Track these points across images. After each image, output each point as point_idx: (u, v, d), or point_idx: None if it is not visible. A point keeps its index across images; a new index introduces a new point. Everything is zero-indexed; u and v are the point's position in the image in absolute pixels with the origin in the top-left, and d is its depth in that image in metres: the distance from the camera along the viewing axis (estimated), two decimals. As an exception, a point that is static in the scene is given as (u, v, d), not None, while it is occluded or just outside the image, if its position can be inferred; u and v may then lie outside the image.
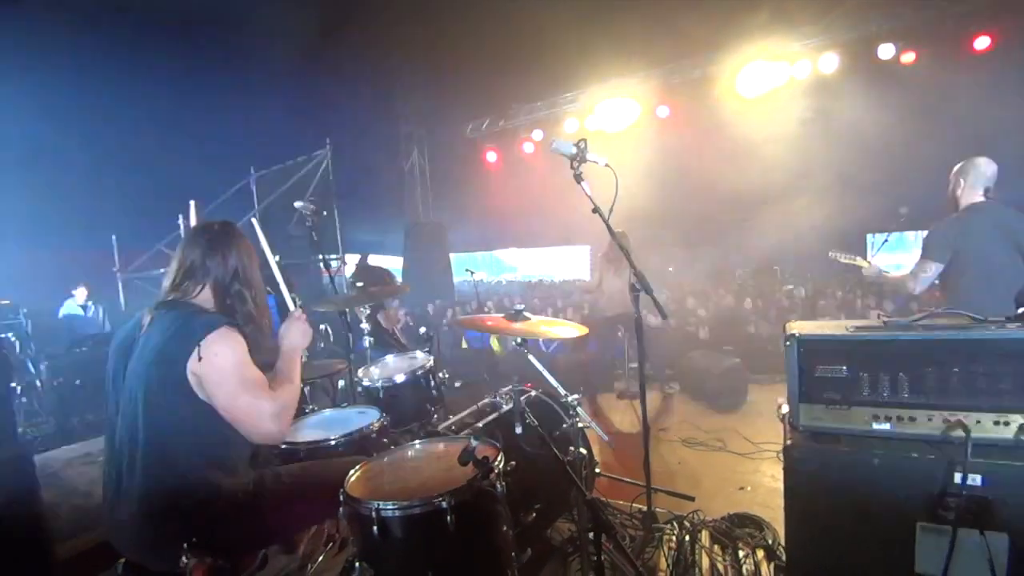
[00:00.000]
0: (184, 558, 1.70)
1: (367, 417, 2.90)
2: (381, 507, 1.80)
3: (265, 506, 1.95)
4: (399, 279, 5.56)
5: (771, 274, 7.76)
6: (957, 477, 1.79)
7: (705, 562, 2.75)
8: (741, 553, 2.78)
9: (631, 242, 5.81)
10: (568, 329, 2.71)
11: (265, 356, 2.05)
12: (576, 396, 2.78)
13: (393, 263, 12.69)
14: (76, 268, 9.14)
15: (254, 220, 2.34)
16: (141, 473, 1.77)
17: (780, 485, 2.12)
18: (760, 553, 2.75)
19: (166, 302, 1.98)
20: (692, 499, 3.33)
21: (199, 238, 2.05)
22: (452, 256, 12.14)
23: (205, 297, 1.99)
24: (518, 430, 2.50)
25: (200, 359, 1.77)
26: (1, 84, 5.91)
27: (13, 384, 5.81)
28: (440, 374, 3.38)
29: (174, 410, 1.79)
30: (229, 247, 2.04)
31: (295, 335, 2.18)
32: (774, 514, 3.06)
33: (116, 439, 1.84)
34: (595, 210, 2.74)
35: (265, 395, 1.86)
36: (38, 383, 6.12)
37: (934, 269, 3.40)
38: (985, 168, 3.40)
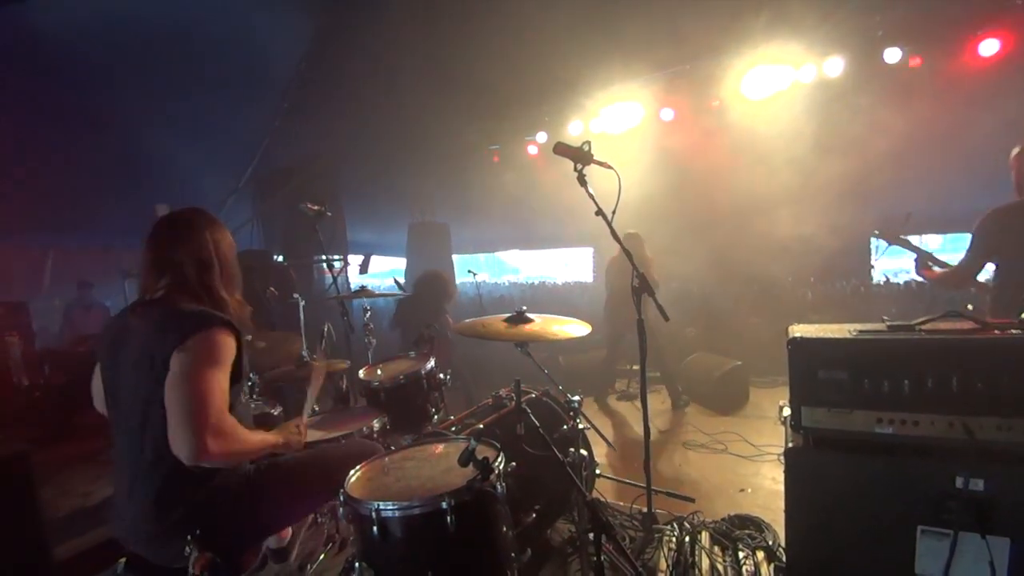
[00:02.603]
0: (187, 549, 1.71)
1: (368, 417, 2.91)
2: (381, 507, 1.80)
3: (265, 494, 1.96)
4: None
5: (774, 277, 7.75)
6: (959, 481, 1.78)
7: (705, 563, 2.75)
8: (741, 554, 2.77)
9: (644, 244, 5.81)
10: (576, 327, 2.71)
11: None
12: (577, 397, 2.79)
13: (396, 264, 12.72)
14: (80, 267, 9.20)
15: None
16: (146, 469, 1.77)
17: (781, 487, 2.12)
18: (760, 554, 2.75)
19: (148, 300, 1.91)
20: (692, 500, 3.32)
21: (165, 230, 1.97)
22: (455, 257, 12.14)
23: (179, 291, 1.90)
24: (519, 431, 2.51)
25: (181, 352, 1.70)
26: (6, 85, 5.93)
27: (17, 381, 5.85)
28: (441, 375, 3.39)
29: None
30: (198, 235, 1.95)
31: (290, 440, 2.09)
32: (774, 516, 3.05)
33: (119, 436, 1.84)
34: (599, 212, 2.74)
35: (216, 415, 1.68)
36: (41, 381, 6.12)
37: (974, 263, 3.20)
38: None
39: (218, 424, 1.68)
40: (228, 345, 1.80)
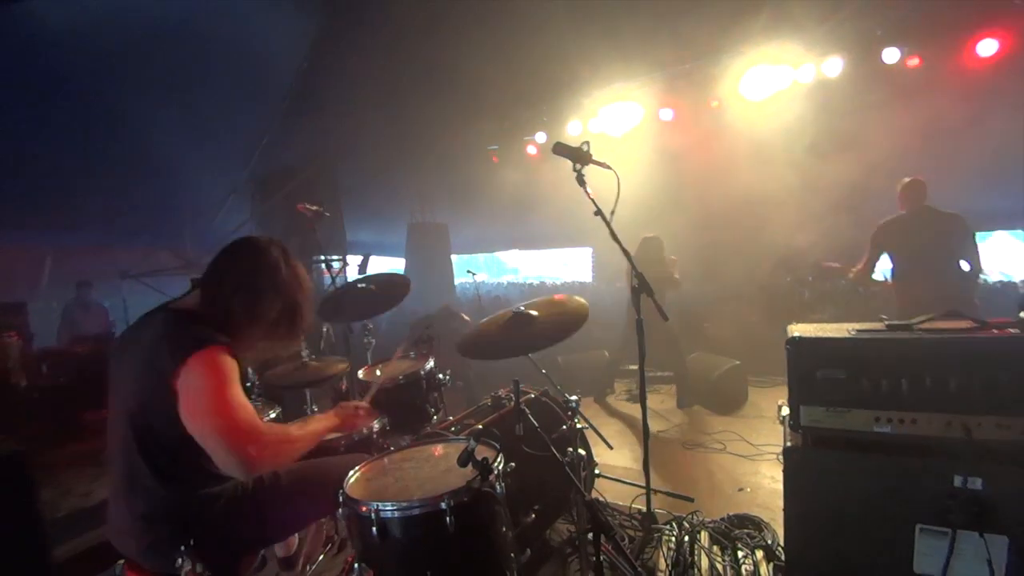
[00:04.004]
0: (180, 560, 1.69)
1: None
2: (380, 508, 1.80)
3: (263, 505, 1.94)
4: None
5: (773, 276, 7.75)
6: (957, 479, 1.79)
7: (704, 562, 2.75)
8: (740, 554, 2.77)
9: (663, 246, 5.77)
10: (575, 309, 2.70)
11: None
12: (575, 397, 2.79)
13: (395, 264, 12.72)
14: (79, 267, 9.18)
15: None
16: (140, 475, 1.75)
17: (780, 486, 2.12)
18: (759, 554, 2.75)
19: (164, 307, 1.91)
20: (691, 500, 3.33)
21: (222, 258, 1.94)
22: (454, 257, 12.14)
23: (208, 308, 1.87)
24: (518, 431, 2.51)
25: (185, 375, 1.67)
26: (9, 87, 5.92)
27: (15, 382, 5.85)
28: (440, 375, 3.39)
29: (164, 413, 1.71)
30: (246, 268, 1.91)
31: (346, 421, 2.14)
32: (773, 515, 3.06)
33: (116, 440, 1.83)
34: (597, 212, 2.74)
35: (245, 424, 1.65)
36: (40, 382, 6.12)
37: (868, 262, 4.62)
38: (909, 185, 4.41)
39: (251, 431, 1.65)
40: (229, 362, 1.75)
